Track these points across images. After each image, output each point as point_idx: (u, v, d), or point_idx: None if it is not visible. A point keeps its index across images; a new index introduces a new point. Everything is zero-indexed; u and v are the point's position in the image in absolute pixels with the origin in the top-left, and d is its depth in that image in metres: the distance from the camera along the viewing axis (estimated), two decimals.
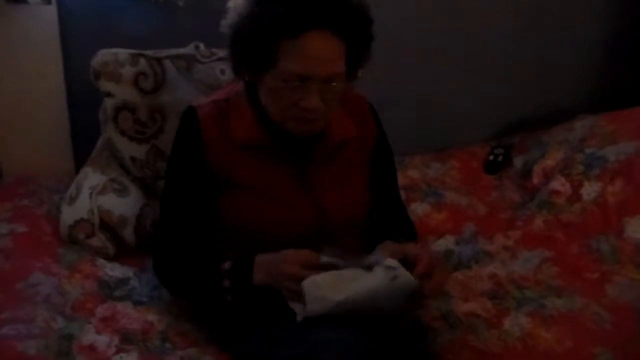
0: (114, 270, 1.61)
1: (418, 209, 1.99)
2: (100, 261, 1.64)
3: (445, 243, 1.85)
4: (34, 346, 1.31)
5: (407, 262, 1.27)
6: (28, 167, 1.95)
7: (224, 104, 1.43)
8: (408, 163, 2.19)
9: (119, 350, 1.35)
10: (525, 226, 1.88)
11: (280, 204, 1.39)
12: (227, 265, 1.33)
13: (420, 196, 2.06)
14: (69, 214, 1.69)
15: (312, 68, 1.26)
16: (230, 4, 1.36)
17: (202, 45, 1.85)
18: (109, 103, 1.73)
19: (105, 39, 1.81)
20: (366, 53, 1.37)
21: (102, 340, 1.37)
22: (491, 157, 2.25)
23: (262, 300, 1.34)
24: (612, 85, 2.58)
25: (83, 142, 1.95)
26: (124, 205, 1.71)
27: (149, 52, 1.76)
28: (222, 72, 1.83)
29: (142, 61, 1.74)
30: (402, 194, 1.71)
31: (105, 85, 1.72)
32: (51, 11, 1.87)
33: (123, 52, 1.74)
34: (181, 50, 1.82)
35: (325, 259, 1.26)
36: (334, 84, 1.30)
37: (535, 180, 2.04)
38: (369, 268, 1.26)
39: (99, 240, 1.67)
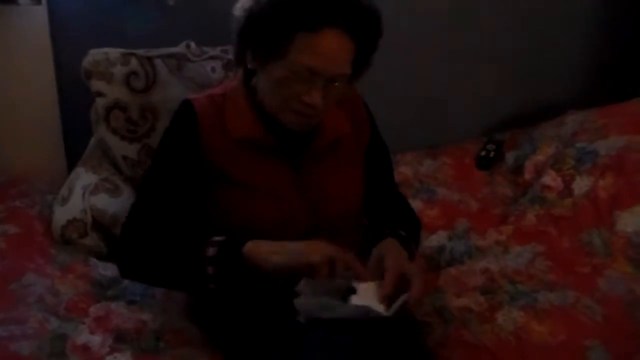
0: (107, 270, 1.61)
1: (411, 205, 1.99)
2: (93, 261, 1.64)
3: (437, 239, 1.86)
4: (27, 347, 1.31)
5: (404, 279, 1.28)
6: (20, 168, 1.95)
7: (220, 98, 1.42)
8: (400, 160, 2.20)
9: (112, 350, 1.35)
10: (517, 221, 1.89)
11: (274, 199, 1.38)
12: (211, 251, 1.26)
13: (413, 193, 2.07)
14: (61, 214, 1.69)
15: (323, 64, 1.27)
16: None
17: (192, 44, 1.85)
18: (100, 103, 1.73)
19: (96, 39, 1.81)
20: (370, 60, 1.38)
21: (96, 340, 1.36)
22: (483, 153, 2.26)
23: (254, 298, 1.34)
24: (602, 81, 2.60)
25: (75, 142, 1.95)
26: (116, 204, 1.71)
27: (140, 52, 1.76)
28: (213, 70, 1.83)
29: (133, 60, 1.74)
30: None
31: (97, 84, 1.72)
32: (41, 11, 1.87)
33: (114, 52, 1.74)
34: (172, 49, 1.82)
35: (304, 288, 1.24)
36: (337, 84, 1.31)
37: (527, 176, 2.06)
38: (347, 292, 1.26)
39: (92, 239, 1.67)
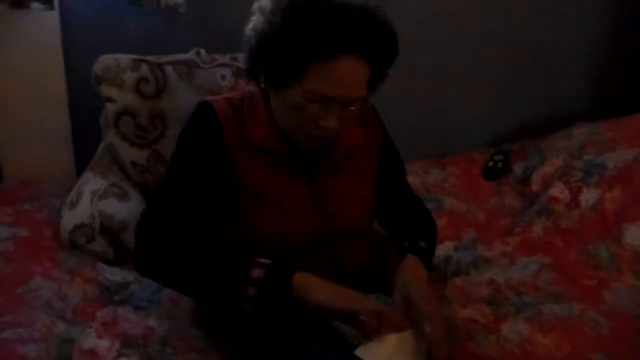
0: (114, 275, 1.62)
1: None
2: (101, 266, 1.65)
3: (444, 249, 1.85)
4: (35, 350, 1.31)
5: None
6: (29, 172, 1.95)
7: (238, 103, 1.40)
8: (407, 169, 2.17)
9: (119, 355, 1.35)
10: (524, 232, 1.89)
11: (287, 210, 1.36)
12: (256, 272, 1.21)
13: None
14: (69, 219, 1.70)
15: (339, 91, 1.24)
16: (258, 5, 1.31)
17: (203, 51, 1.86)
18: (110, 108, 1.74)
19: (107, 45, 1.82)
20: (386, 76, 1.36)
21: (103, 345, 1.37)
22: (490, 164, 2.26)
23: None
24: (611, 93, 2.60)
25: (84, 147, 1.96)
26: (124, 210, 1.72)
27: (150, 58, 1.78)
28: (223, 77, 1.84)
29: (144, 67, 1.75)
30: None
31: (107, 90, 1.73)
32: (53, 17, 1.88)
33: (125, 58, 1.75)
34: (182, 56, 1.83)
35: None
36: (353, 108, 1.29)
37: (534, 187, 2.05)
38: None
39: (99, 244, 1.68)
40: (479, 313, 1.54)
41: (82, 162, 1.93)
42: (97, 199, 1.71)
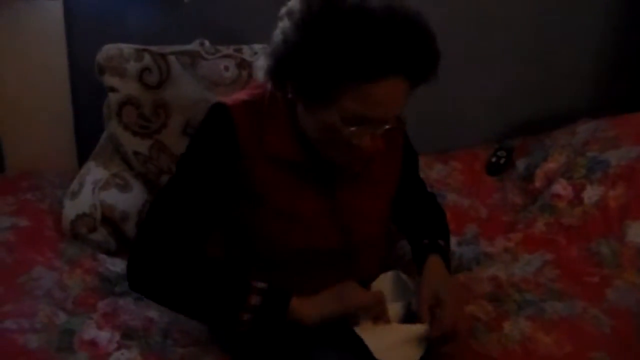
0: (115, 266, 1.62)
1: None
2: (102, 256, 1.65)
3: None
4: (36, 340, 1.32)
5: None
6: (31, 162, 1.95)
7: (257, 106, 1.28)
8: None
9: (120, 346, 1.36)
10: (526, 229, 1.89)
11: (305, 223, 1.30)
12: (254, 299, 1.18)
13: None
14: (71, 209, 1.69)
15: (378, 113, 1.16)
16: (286, 9, 1.18)
17: (206, 42, 1.85)
18: (113, 98, 1.73)
19: (110, 35, 1.81)
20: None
21: (103, 336, 1.37)
22: (493, 160, 2.25)
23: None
24: (615, 90, 2.59)
25: (86, 137, 1.96)
26: (126, 200, 1.72)
27: (153, 48, 1.77)
28: (227, 69, 1.83)
29: (147, 56, 1.74)
30: None
31: (110, 80, 1.72)
32: (57, 7, 1.87)
33: (128, 48, 1.74)
34: (186, 47, 1.82)
35: None
36: (389, 126, 1.20)
37: (537, 183, 2.05)
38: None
39: (100, 235, 1.68)
40: (481, 310, 1.54)
41: (84, 152, 1.93)
42: (98, 189, 1.70)
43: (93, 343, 1.35)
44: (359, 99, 1.13)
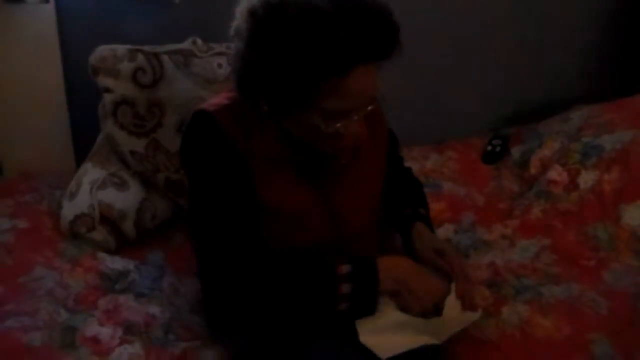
0: (115, 263, 1.62)
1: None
2: (101, 255, 1.65)
3: (444, 232, 1.86)
4: (39, 338, 1.33)
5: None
6: (29, 164, 1.96)
7: (238, 109, 1.26)
8: (406, 155, 2.17)
9: (122, 342, 1.37)
10: (523, 215, 1.89)
11: (298, 218, 1.29)
12: (344, 268, 1.21)
13: None
14: (69, 209, 1.70)
15: (357, 104, 1.16)
16: (236, 27, 1.16)
17: (199, 40, 1.86)
18: (107, 98, 1.74)
19: (103, 36, 1.82)
20: None
21: (106, 332, 1.39)
22: (489, 148, 2.26)
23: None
24: (608, 82, 2.59)
25: (83, 138, 1.97)
26: (123, 199, 1.73)
27: (146, 48, 1.78)
28: (220, 66, 1.84)
29: (140, 56, 1.75)
30: None
31: (104, 81, 1.73)
32: (49, 10, 1.88)
33: (121, 48, 1.75)
34: (178, 46, 1.83)
35: None
36: (370, 107, 1.20)
37: (533, 170, 2.06)
38: None
39: (99, 234, 1.69)
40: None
41: (81, 154, 1.94)
42: (96, 188, 1.71)
43: (95, 339, 1.37)
44: (336, 95, 1.12)
